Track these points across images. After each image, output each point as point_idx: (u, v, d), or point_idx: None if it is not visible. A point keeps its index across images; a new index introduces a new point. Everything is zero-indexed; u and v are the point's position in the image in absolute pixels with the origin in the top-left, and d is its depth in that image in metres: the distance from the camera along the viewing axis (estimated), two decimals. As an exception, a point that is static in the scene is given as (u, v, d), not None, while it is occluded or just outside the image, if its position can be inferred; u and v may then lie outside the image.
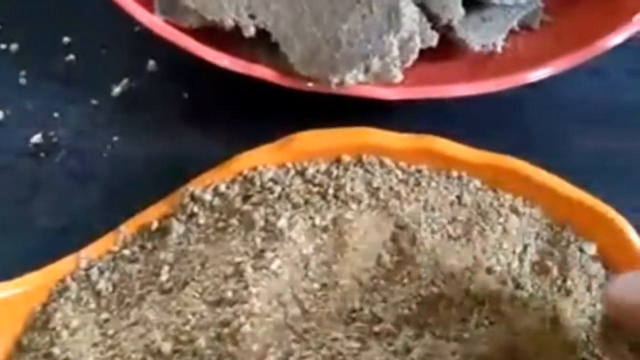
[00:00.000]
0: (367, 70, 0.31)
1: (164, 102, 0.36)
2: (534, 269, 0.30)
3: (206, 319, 0.27)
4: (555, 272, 0.30)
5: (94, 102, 0.36)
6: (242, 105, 0.35)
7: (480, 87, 0.31)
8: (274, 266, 0.28)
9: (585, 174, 0.31)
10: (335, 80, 0.31)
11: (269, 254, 0.29)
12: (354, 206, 0.30)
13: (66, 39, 0.37)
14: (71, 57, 0.37)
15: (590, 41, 0.32)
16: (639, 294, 0.25)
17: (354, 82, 0.31)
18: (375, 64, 0.31)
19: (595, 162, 0.34)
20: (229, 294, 0.28)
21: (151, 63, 0.36)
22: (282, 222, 0.29)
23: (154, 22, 0.32)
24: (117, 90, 0.36)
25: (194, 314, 0.28)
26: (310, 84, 0.31)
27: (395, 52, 0.30)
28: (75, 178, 0.34)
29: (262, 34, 0.32)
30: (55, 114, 0.36)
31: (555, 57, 0.32)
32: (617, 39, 0.32)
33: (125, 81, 0.36)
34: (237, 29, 0.32)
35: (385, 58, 0.30)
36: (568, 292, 0.29)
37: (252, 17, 0.32)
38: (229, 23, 0.31)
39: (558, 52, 0.32)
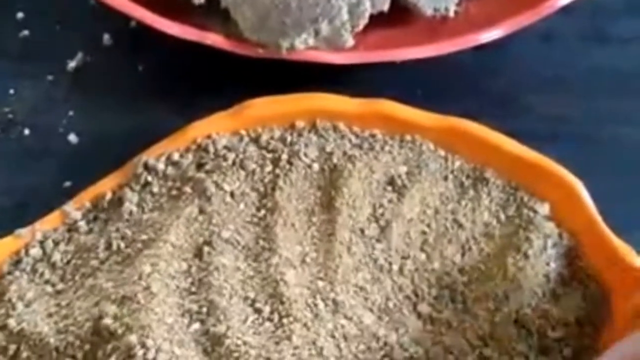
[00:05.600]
0: (317, 34, 0.31)
1: (120, 75, 0.36)
2: (487, 230, 0.30)
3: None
4: (508, 232, 0.30)
5: (50, 77, 0.36)
6: (197, 77, 0.35)
7: (430, 49, 0.31)
8: (226, 234, 0.29)
9: (538, 138, 0.31)
10: (285, 45, 0.31)
11: (220, 220, 0.29)
12: (305, 171, 0.30)
13: (20, 15, 0.37)
14: (25, 32, 0.37)
15: (539, 2, 0.32)
16: None
17: (304, 47, 0.31)
18: (325, 28, 0.31)
19: (548, 126, 0.34)
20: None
21: (106, 37, 0.36)
22: (234, 188, 0.29)
23: (106, -7, 0.31)
24: (72, 65, 0.36)
25: None
26: (261, 50, 0.31)
27: (345, 16, 0.30)
28: (31, 154, 0.34)
29: (213, 2, 0.32)
30: (11, 91, 0.35)
31: (506, 19, 0.32)
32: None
33: (80, 56, 0.36)
34: (188, -3, 0.32)
35: (335, 22, 0.30)
36: (522, 252, 0.29)
37: (201, -17, 0.32)
38: (179, -9, 0.31)
39: (508, 14, 0.32)
